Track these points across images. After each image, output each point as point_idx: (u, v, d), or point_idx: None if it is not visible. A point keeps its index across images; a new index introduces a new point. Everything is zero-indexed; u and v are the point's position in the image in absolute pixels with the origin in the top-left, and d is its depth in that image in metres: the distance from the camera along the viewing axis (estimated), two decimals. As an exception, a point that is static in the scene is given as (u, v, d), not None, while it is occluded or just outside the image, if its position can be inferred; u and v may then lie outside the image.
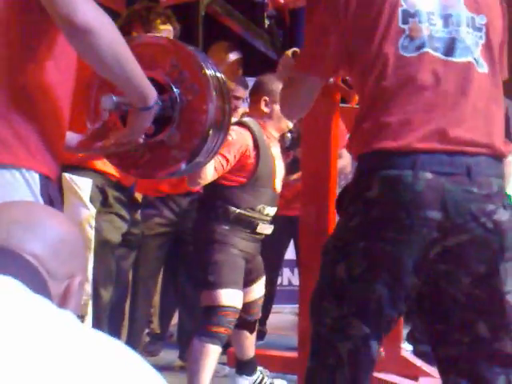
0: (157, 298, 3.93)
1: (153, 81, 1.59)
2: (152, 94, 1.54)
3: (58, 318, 0.73)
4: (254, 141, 2.85)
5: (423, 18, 1.68)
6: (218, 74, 1.71)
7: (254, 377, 3.20)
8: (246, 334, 3.07)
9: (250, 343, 3.12)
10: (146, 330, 3.85)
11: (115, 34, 1.44)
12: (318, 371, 1.73)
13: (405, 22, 1.67)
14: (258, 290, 3.07)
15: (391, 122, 1.66)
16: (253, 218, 2.86)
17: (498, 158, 1.70)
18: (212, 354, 2.72)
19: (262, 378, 3.22)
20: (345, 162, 3.89)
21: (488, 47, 1.73)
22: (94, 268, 2.54)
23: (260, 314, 3.16)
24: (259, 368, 3.22)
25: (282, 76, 2.11)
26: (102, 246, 2.62)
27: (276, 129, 3.00)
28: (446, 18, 1.70)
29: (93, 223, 2.56)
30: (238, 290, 2.79)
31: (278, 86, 2.87)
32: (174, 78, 1.65)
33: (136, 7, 2.85)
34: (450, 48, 1.69)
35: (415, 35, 1.68)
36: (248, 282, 2.95)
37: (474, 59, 1.70)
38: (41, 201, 1.43)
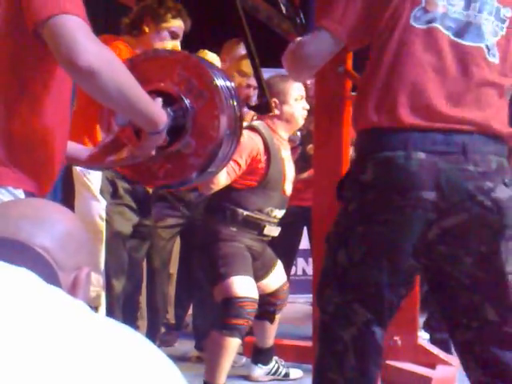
0: (172, 289, 3.94)
1: (163, 92, 1.64)
2: (161, 118, 1.57)
3: (72, 307, 0.75)
4: (264, 145, 2.84)
5: None
6: (226, 80, 1.73)
7: (270, 366, 3.22)
8: (268, 323, 3.10)
9: (272, 332, 3.15)
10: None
11: (119, 70, 1.45)
12: (326, 358, 1.73)
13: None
14: (277, 277, 3.07)
15: (385, 96, 1.65)
16: (260, 220, 2.86)
17: (497, 137, 1.67)
18: (231, 346, 2.70)
19: (278, 368, 3.24)
20: None
21: (507, 40, 1.70)
22: (105, 259, 2.56)
23: (287, 301, 3.17)
24: (274, 357, 3.24)
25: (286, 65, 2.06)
26: (114, 237, 2.64)
27: (286, 130, 2.99)
28: (469, 2, 1.68)
29: (104, 215, 2.58)
30: (249, 277, 2.79)
31: (286, 86, 2.93)
32: (183, 87, 1.68)
33: (147, 1, 2.87)
34: (462, 30, 1.66)
35: (430, 9, 1.65)
36: (261, 275, 2.95)
37: (487, 46, 1.67)
38: None
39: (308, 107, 2.98)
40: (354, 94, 2.60)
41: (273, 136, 2.90)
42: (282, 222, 3.00)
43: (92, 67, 1.37)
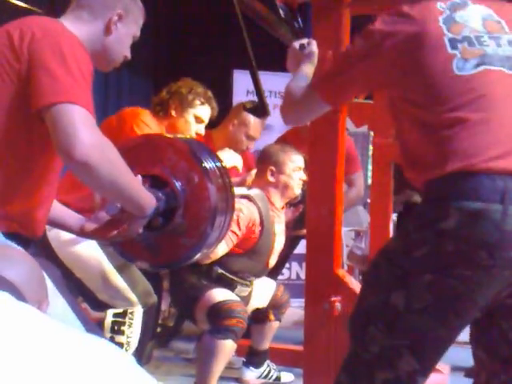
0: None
1: (154, 177, 1.74)
2: (149, 203, 1.65)
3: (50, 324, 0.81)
4: (260, 217, 2.88)
5: (473, 42, 1.59)
6: (215, 161, 1.84)
7: (261, 369, 3.22)
8: (266, 325, 3.12)
9: (269, 335, 3.17)
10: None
11: (114, 162, 1.51)
12: None
13: (454, 47, 1.58)
14: (263, 293, 3.08)
15: (466, 140, 1.51)
16: (234, 281, 2.88)
17: None
18: (226, 349, 2.70)
19: (269, 371, 3.24)
20: (355, 193, 3.86)
21: None
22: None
23: (289, 304, 3.21)
24: (267, 361, 3.24)
25: (289, 68, 2.08)
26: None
27: (281, 198, 3.03)
28: (497, 40, 1.61)
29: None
30: (222, 289, 2.81)
31: (285, 157, 2.99)
32: (174, 170, 1.77)
33: (179, 84, 2.94)
34: (510, 64, 1.59)
35: (469, 56, 1.58)
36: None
37: None
38: None
39: (305, 178, 3.00)
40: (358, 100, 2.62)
41: (269, 208, 2.94)
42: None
43: (88, 161, 1.42)
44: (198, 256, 1.88)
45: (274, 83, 4.70)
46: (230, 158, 3.07)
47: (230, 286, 2.87)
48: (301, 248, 4.21)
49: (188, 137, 2.71)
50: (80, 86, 1.48)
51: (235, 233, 2.77)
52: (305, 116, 1.93)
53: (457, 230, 1.47)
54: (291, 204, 3.21)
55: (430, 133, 1.57)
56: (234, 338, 2.70)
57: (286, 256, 4.01)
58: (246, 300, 2.96)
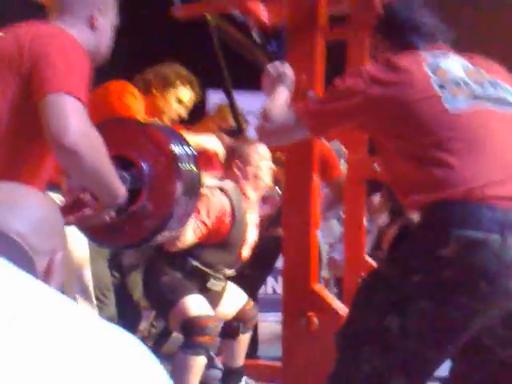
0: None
1: (122, 157, 1.76)
2: (122, 194, 1.68)
3: (47, 296, 0.75)
4: (231, 208, 2.91)
5: (460, 84, 1.68)
6: (185, 146, 1.88)
7: (239, 386, 3.23)
8: (235, 341, 3.10)
9: (239, 351, 3.14)
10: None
11: (99, 153, 1.57)
12: None
13: (441, 87, 1.67)
14: (233, 301, 3.09)
15: (462, 168, 1.56)
16: (207, 274, 2.91)
17: None
18: (197, 365, 2.72)
19: (247, 388, 3.24)
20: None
21: None
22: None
23: (255, 320, 3.20)
24: (244, 377, 3.22)
25: (265, 91, 2.13)
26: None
27: (254, 189, 3.06)
28: (481, 84, 1.70)
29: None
30: (198, 295, 2.82)
31: (249, 149, 3.03)
32: (142, 152, 1.80)
33: (164, 65, 3.01)
34: (499, 102, 1.68)
35: (458, 94, 1.67)
36: (212, 306, 2.92)
37: None
38: None
39: (273, 166, 3.06)
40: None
41: (242, 199, 2.97)
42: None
43: (75, 149, 1.48)
44: (158, 238, 1.92)
45: (249, 102, 4.75)
46: (212, 142, 3.09)
47: (203, 278, 2.89)
48: (277, 262, 4.27)
49: (159, 122, 2.75)
50: (76, 78, 1.55)
51: (204, 222, 2.79)
52: (285, 140, 2.01)
53: (456, 258, 1.49)
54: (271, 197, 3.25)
55: (421, 162, 1.63)
56: (205, 354, 2.73)
57: (265, 271, 4.05)
58: (216, 299, 2.98)
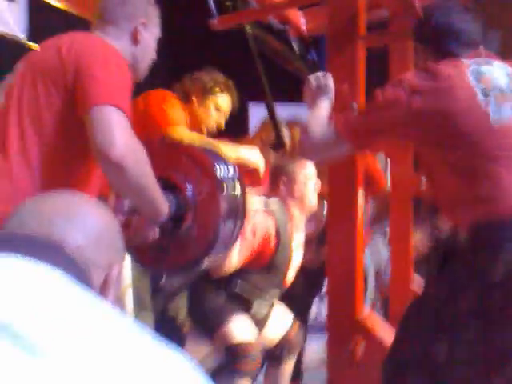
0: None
1: (167, 179, 1.76)
2: (165, 210, 1.67)
3: (99, 308, 0.75)
4: (276, 231, 2.83)
5: (505, 90, 1.65)
6: (230, 170, 1.85)
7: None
8: (279, 367, 3.02)
9: (282, 378, 3.05)
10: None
11: (144, 167, 1.56)
12: None
13: (485, 95, 1.63)
14: (279, 323, 3.00)
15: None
16: (252, 297, 2.83)
17: None
18: None
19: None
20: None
21: None
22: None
23: (300, 346, 3.11)
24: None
25: (307, 102, 2.06)
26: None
27: (300, 209, 2.98)
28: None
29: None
30: (243, 317, 2.76)
31: (294, 166, 2.96)
32: (187, 176, 1.79)
33: (201, 73, 3.01)
34: None
35: (502, 102, 1.64)
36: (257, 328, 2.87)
37: None
38: None
39: (319, 185, 2.97)
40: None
41: (287, 219, 2.90)
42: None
43: (122, 163, 1.47)
44: (205, 263, 1.90)
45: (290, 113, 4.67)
46: (253, 155, 3.01)
47: (248, 301, 2.82)
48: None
49: (205, 143, 2.71)
50: (120, 91, 1.54)
51: (250, 243, 2.73)
52: (327, 155, 1.92)
53: (504, 281, 1.48)
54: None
55: (469, 174, 1.60)
56: (250, 380, 2.70)
57: (313, 291, 3.94)
58: (262, 322, 2.91)
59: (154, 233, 1.70)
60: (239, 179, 1.89)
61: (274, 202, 2.93)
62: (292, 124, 3.54)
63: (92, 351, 0.66)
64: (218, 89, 2.96)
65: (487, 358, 1.51)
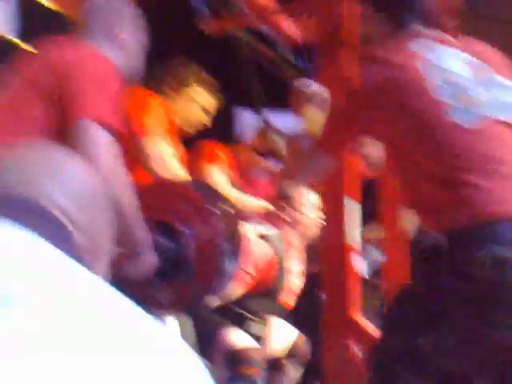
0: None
1: (166, 224, 1.75)
2: (142, 242, 1.63)
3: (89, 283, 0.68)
4: (276, 259, 2.83)
5: (468, 90, 1.57)
6: (224, 207, 1.86)
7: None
8: (282, 375, 3.00)
9: None
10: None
11: (123, 186, 1.54)
12: None
13: (451, 97, 1.56)
14: (280, 337, 2.98)
15: (491, 189, 1.50)
16: (249, 320, 2.81)
17: None
18: None
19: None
20: None
21: None
22: None
23: (306, 356, 3.06)
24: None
25: (293, 107, 2.08)
26: None
27: (300, 237, 2.97)
28: (486, 84, 1.60)
29: None
30: (240, 331, 2.74)
31: (294, 194, 2.93)
32: (184, 219, 1.78)
33: (173, 65, 2.85)
34: (504, 108, 1.60)
35: (465, 106, 1.56)
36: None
37: None
38: None
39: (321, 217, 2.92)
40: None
41: (285, 251, 2.88)
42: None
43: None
44: (206, 301, 1.93)
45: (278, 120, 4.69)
46: (260, 206, 2.98)
47: (244, 324, 2.80)
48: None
49: (197, 179, 2.67)
50: (107, 103, 1.54)
51: (251, 275, 2.72)
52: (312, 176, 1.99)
53: (489, 275, 1.46)
54: None
55: (442, 182, 1.56)
56: None
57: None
58: (263, 341, 2.88)
59: (135, 267, 1.66)
60: (234, 213, 1.92)
61: (272, 231, 2.90)
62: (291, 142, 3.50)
63: (68, 302, 0.61)
64: (192, 81, 2.78)
65: (474, 349, 1.53)
